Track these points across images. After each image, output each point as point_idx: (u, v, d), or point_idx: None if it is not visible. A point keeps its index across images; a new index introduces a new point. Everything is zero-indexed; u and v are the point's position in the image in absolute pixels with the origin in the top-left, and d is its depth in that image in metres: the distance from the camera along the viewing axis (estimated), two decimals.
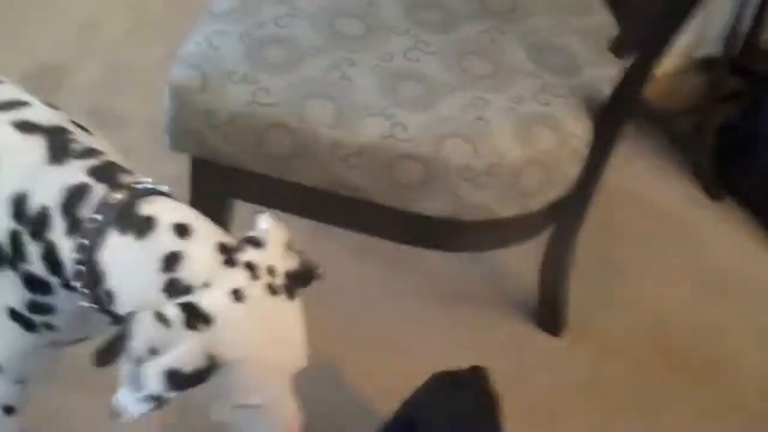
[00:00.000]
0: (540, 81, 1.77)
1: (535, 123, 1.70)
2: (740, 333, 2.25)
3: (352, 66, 1.71)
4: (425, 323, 2.13)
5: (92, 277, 1.20)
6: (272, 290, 1.18)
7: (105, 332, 1.23)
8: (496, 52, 1.80)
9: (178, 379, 1.10)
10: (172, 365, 1.10)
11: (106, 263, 1.18)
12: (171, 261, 1.16)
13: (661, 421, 2.04)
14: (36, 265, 1.24)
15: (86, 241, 1.19)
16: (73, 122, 1.33)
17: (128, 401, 1.13)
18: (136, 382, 1.12)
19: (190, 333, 1.10)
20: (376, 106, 1.66)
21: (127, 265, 1.19)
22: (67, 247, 1.21)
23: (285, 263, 1.22)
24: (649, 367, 2.06)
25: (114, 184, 1.22)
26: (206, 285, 1.15)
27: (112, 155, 1.30)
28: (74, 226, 1.20)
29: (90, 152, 1.26)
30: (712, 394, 2.10)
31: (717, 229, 2.54)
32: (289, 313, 1.22)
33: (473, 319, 2.16)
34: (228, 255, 1.18)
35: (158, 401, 1.12)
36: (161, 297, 1.15)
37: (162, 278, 1.16)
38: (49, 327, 1.31)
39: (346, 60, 1.72)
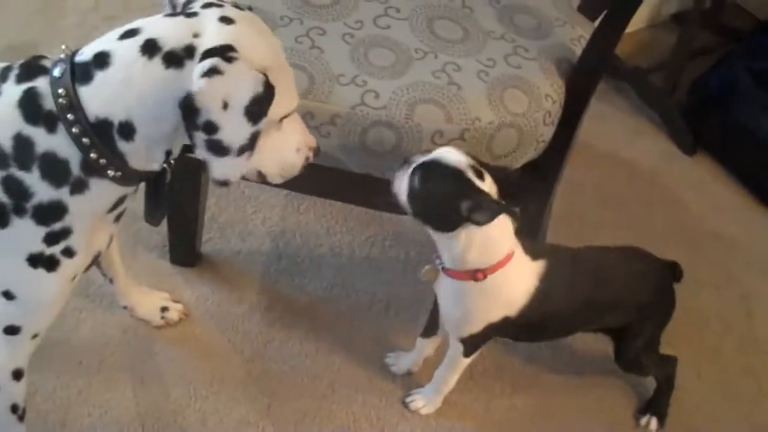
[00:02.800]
0: (511, 44, 1.78)
1: (507, 86, 1.71)
2: (716, 287, 2.28)
3: (322, 35, 1.70)
4: (407, 288, 2.14)
5: (102, 131, 1.23)
6: (239, 7, 1.30)
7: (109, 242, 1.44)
8: (466, 16, 1.80)
9: (259, 104, 1.21)
10: (248, 99, 1.20)
11: (102, 105, 1.22)
12: (150, 47, 1.21)
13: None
14: (41, 191, 1.26)
15: (71, 116, 1.22)
16: None
17: (224, 170, 1.26)
18: (221, 150, 1.22)
19: (233, 65, 1.19)
20: (348, 75, 1.66)
21: (117, 85, 1.22)
22: (62, 140, 1.23)
23: None
24: None
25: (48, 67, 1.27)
26: (197, 35, 1.22)
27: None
28: (51, 118, 1.23)
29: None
30: (690, 350, 2.12)
31: (691, 183, 2.57)
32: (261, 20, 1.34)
33: None
34: (183, 9, 1.28)
35: (251, 143, 1.24)
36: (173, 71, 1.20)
37: (160, 64, 1.21)
38: (68, 253, 1.33)
39: (316, 29, 1.71)
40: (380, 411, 1.91)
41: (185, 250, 2.09)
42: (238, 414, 1.86)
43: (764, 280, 2.34)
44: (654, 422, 1.98)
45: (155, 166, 1.30)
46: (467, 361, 1.82)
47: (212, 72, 1.17)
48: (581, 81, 1.78)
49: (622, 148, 2.61)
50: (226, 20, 1.24)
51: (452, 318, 1.75)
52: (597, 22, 1.80)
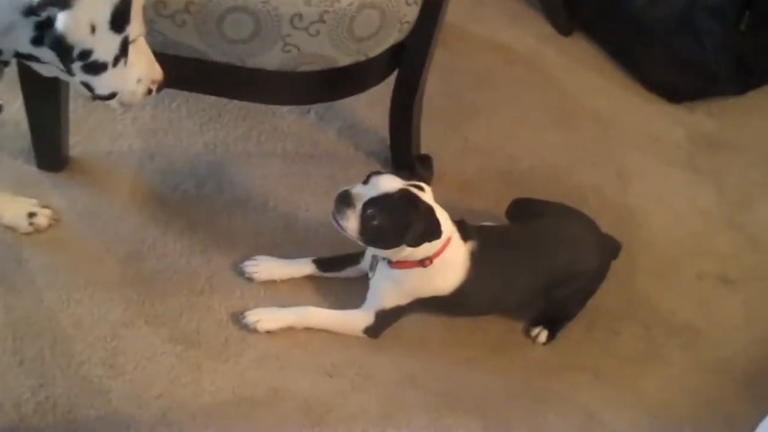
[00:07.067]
0: None
1: None
2: (593, 164, 2.31)
3: None
4: (285, 182, 2.12)
5: None
6: None
7: None
8: None
9: (121, 14, 1.24)
10: (110, 13, 1.23)
11: None
12: None
13: None
14: None
15: None
16: None
17: (107, 85, 1.32)
18: (100, 67, 1.27)
19: None
20: None
21: None
22: None
23: None
24: (504, 203, 2.09)
25: None
26: None
27: None
28: None
29: None
30: None
31: (567, 64, 2.57)
32: None
33: (333, 174, 2.15)
34: None
35: (123, 50, 1.28)
36: None
37: None
38: None
39: None
40: (259, 303, 1.90)
41: (51, 154, 2.02)
42: (114, 315, 1.83)
43: (639, 156, 2.38)
44: (544, 335, 1.95)
45: None
46: (360, 332, 1.86)
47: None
48: None
49: (499, 32, 2.59)
50: None
51: (384, 293, 1.84)
52: None
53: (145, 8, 1.52)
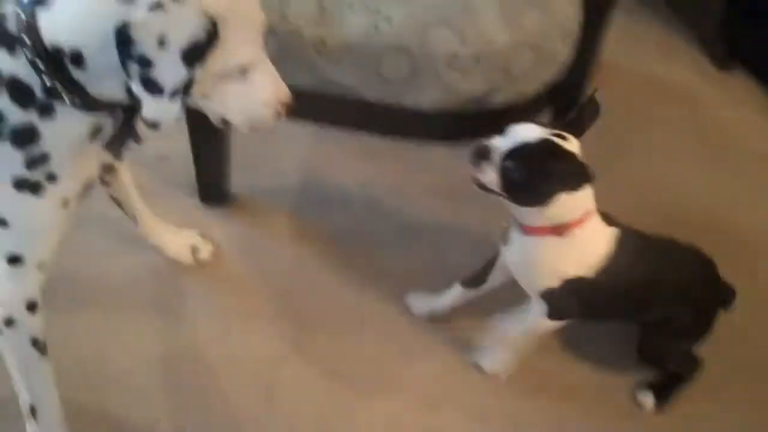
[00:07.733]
0: None
1: (522, 4, 1.67)
2: (751, 205, 2.23)
3: None
4: (437, 217, 2.13)
5: (56, 57, 1.21)
6: None
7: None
8: None
9: (197, 50, 1.19)
10: (186, 41, 1.17)
11: (56, 32, 1.20)
12: None
13: None
14: (12, 114, 1.26)
15: (27, 39, 1.21)
16: None
17: (155, 111, 1.22)
18: (155, 88, 1.19)
19: (179, 4, 1.16)
20: (359, 1, 1.63)
21: (70, 13, 1.20)
22: (21, 64, 1.23)
23: None
24: None
25: None
26: None
27: None
28: (11, 40, 1.22)
29: None
30: (727, 268, 2.08)
31: (725, 100, 2.50)
32: None
33: (487, 211, 2.13)
34: None
35: (184, 89, 1.21)
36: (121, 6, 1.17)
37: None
38: (51, 178, 1.34)
39: None
40: (409, 346, 1.90)
41: (214, 189, 2.10)
42: (269, 349, 1.87)
43: None
44: (651, 403, 1.85)
45: (119, 97, 1.27)
46: (548, 324, 1.75)
47: (155, 6, 1.15)
48: None
49: (654, 68, 2.55)
50: None
51: (527, 272, 1.73)
52: None
53: (304, 47, 1.56)
